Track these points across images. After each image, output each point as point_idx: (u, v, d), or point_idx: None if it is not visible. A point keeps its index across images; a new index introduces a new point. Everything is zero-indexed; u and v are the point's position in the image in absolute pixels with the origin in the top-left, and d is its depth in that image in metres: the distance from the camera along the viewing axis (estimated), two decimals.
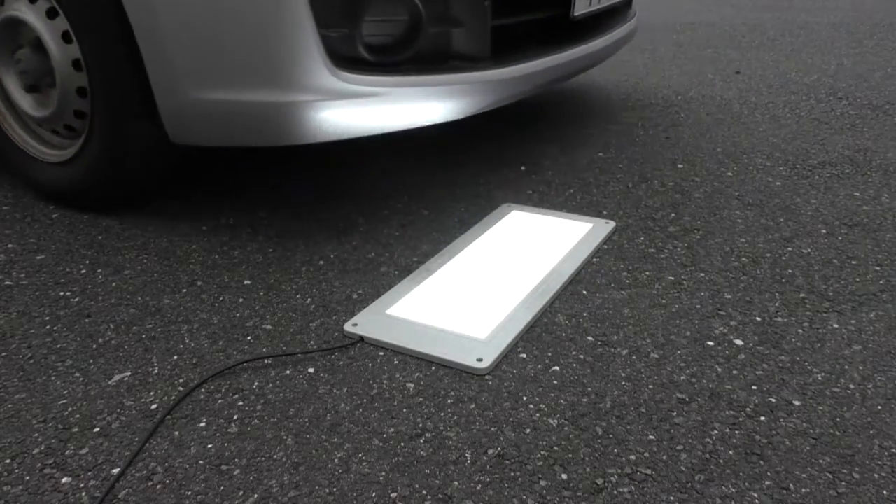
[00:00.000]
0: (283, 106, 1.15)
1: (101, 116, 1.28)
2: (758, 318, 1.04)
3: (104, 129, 1.29)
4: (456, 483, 0.74)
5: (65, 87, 1.30)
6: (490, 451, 0.78)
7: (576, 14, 1.60)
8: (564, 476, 0.75)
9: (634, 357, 0.95)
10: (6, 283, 1.16)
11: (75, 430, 0.82)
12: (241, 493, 0.73)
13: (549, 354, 0.96)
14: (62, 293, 1.13)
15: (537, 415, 0.84)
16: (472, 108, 1.33)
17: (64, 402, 0.87)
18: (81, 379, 0.92)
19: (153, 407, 0.86)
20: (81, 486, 0.74)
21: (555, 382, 0.90)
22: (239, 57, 1.13)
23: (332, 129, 1.18)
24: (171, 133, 1.25)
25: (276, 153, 1.77)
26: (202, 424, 0.83)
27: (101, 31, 1.22)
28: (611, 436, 0.81)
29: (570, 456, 0.78)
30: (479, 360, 0.92)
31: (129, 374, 0.93)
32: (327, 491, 0.73)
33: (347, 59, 1.18)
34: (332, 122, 1.18)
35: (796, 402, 0.86)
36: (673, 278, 1.16)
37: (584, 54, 1.64)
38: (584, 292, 1.11)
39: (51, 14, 1.29)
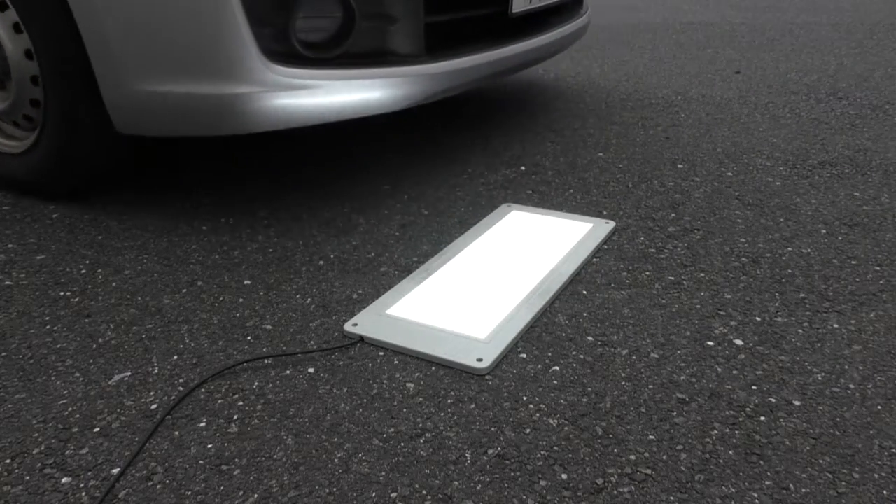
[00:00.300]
0: (220, 98, 1.20)
1: (53, 99, 1.32)
2: (758, 318, 1.04)
3: (56, 117, 1.33)
4: (456, 483, 0.74)
5: (19, 70, 1.34)
6: (490, 451, 0.78)
7: (514, 11, 1.62)
8: (564, 476, 0.75)
9: (634, 357, 0.95)
10: (6, 283, 1.16)
11: (75, 430, 0.82)
12: (241, 493, 0.73)
13: (549, 354, 0.96)
14: (62, 293, 1.13)
15: (537, 415, 0.84)
16: (407, 101, 1.37)
17: (64, 402, 0.87)
18: (81, 379, 0.92)
19: (153, 407, 0.86)
20: (81, 486, 0.74)
21: (555, 382, 0.90)
22: (176, 51, 1.18)
23: (269, 119, 1.23)
24: (116, 123, 1.29)
25: (276, 154, 1.77)
26: (202, 424, 0.83)
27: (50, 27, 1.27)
28: (611, 436, 0.81)
29: (570, 456, 0.78)
30: (479, 360, 0.92)
31: (129, 374, 0.93)
32: (327, 491, 0.73)
33: (281, 53, 1.22)
34: (270, 113, 1.22)
35: (796, 402, 0.86)
36: (673, 278, 1.16)
37: (524, 50, 1.67)
38: (584, 292, 1.11)
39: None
